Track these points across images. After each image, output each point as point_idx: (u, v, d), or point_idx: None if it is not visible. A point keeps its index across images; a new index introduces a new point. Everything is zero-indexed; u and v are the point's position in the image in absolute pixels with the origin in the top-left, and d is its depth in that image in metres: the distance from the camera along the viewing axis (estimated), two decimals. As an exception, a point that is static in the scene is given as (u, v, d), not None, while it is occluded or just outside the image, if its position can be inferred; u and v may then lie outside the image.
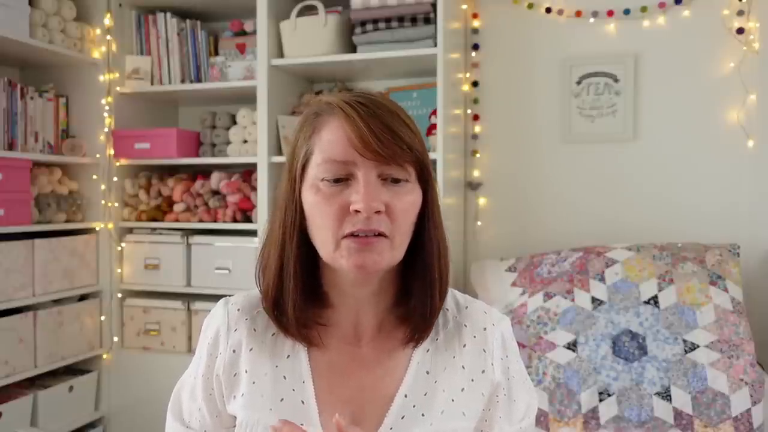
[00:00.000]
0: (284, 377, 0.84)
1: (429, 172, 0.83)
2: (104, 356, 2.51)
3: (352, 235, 0.77)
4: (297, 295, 0.82)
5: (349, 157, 0.77)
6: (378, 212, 0.76)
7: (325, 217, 0.78)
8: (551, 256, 2.08)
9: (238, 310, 0.89)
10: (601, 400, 1.76)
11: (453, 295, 0.92)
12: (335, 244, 0.78)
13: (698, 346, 1.75)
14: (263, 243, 0.87)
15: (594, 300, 1.89)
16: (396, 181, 0.79)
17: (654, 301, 1.84)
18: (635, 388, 1.75)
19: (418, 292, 0.83)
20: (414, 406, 0.83)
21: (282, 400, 0.83)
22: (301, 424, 0.81)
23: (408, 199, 0.80)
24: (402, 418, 0.82)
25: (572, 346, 1.84)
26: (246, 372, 0.85)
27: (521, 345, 1.89)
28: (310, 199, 0.80)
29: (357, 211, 0.76)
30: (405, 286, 0.85)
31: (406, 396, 0.83)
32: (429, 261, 0.83)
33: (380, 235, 0.77)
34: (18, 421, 2.16)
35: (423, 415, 0.83)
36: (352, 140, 0.77)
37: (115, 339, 2.52)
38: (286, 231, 0.82)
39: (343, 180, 0.78)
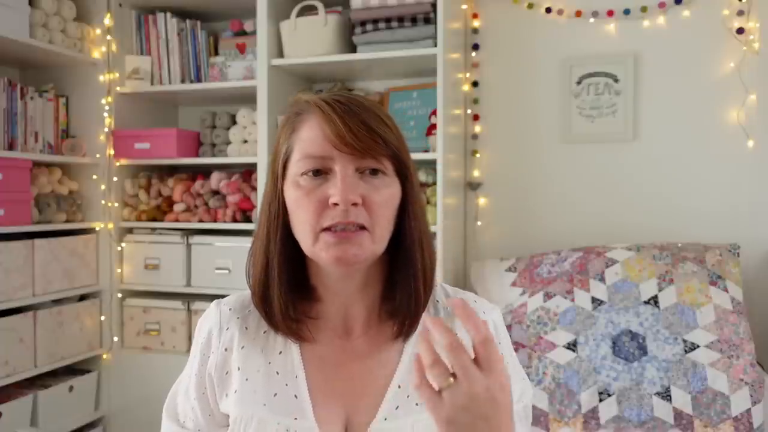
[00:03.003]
0: (277, 372, 0.85)
1: (406, 166, 0.85)
2: (104, 356, 2.51)
3: (331, 228, 0.79)
4: (282, 289, 0.84)
5: (325, 152, 0.80)
6: (355, 204, 0.78)
7: (305, 210, 0.80)
8: (551, 256, 2.08)
9: (230, 309, 0.91)
10: (601, 400, 1.76)
11: (443, 288, 0.94)
12: (314, 238, 0.80)
13: (698, 346, 1.75)
14: (252, 242, 0.89)
15: (594, 300, 1.89)
16: (374, 172, 0.81)
17: (654, 301, 1.84)
18: (635, 388, 1.75)
19: (402, 285, 0.85)
20: (408, 396, 0.84)
21: (275, 395, 0.84)
22: (295, 419, 0.82)
23: (386, 192, 0.81)
24: (396, 408, 0.83)
25: (572, 346, 1.84)
26: (238, 369, 0.86)
27: (521, 345, 1.89)
28: (291, 194, 0.82)
29: (335, 204, 0.78)
30: (392, 280, 0.87)
31: (399, 387, 0.85)
32: (411, 253, 0.84)
33: (360, 228, 0.79)
34: (18, 421, 2.16)
35: (417, 404, 0.84)
36: (328, 135, 0.79)
37: (115, 339, 2.52)
38: (270, 227, 0.85)
39: (322, 174, 0.80)
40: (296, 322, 0.86)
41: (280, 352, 0.87)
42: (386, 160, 0.82)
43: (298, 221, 0.82)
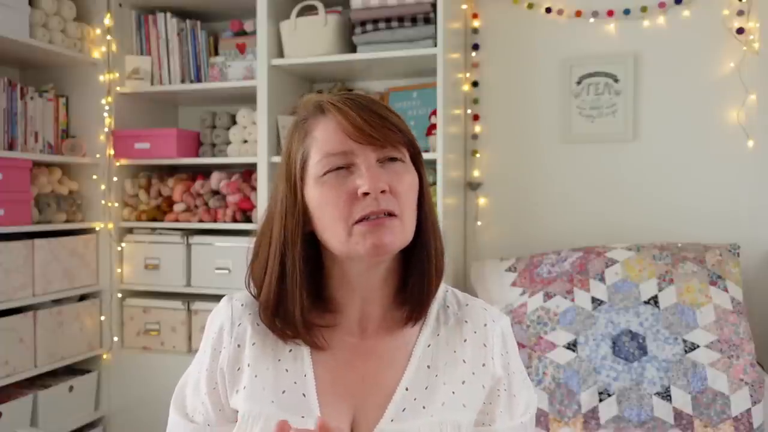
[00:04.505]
0: (286, 370, 0.85)
1: (420, 154, 0.89)
2: (104, 356, 2.51)
3: (364, 219, 0.79)
4: (304, 298, 0.84)
5: (346, 147, 0.81)
6: (383, 192, 0.80)
7: (335, 206, 0.81)
8: (551, 256, 2.08)
9: (242, 305, 0.91)
10: (601, 400, 1.76)
11: (453, 294, 0.95)
12: (348, 232, 0.80)
13: (698, 346, 1.75)
14: (253, 257, 0.89)
15: (594, 300, 1.89)
16: (393, 159, 0.83)
17: (654, 301, 1.84)
18: (635, 388, 1.75)
19: (415, 269, 0.86)
20: (415, 399, 0.84)
21: (284, 392, 0.84)
22: (302, 417, 0.82)
23: (407, 179, 0.84)
24: (403, 410, 0.84)
25: (572, 346, 1.84)
26: (249, 366, 0.86)
27: (521, 345, 1.89)
28: (315, 195, 0.82)
29: (365, 194, 0.79)
30: (406, 272, 0.88)
31: (407, 389, 0.85)
32: (426, 238, 0.86)
33: (390, 214, 0.80)
34: (18, 421, 2.16)
35: (424, 407, 0.84)
36: (347, 130, 0.81)
37: (115, 339, 2.52)
38: (287, 236, 0.84)
39: (344, 169, 0.81)
40: (310, 331, 0.86)
41: (290, 351, 0.87)
42: (403, 148, 0.84)
43: (327, 219, 0.82)
